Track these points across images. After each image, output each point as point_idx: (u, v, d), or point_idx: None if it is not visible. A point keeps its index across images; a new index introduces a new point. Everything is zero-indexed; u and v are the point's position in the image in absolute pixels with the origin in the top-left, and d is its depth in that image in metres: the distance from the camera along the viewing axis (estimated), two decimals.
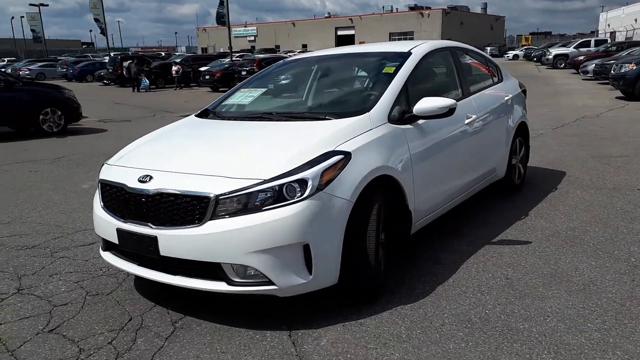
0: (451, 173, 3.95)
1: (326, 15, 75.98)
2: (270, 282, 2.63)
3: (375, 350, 2.54)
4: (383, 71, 3.80)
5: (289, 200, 2.61)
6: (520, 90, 5.50)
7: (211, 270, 2.68)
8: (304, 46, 67.85)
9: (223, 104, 4.20)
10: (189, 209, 2.68)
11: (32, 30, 50.79)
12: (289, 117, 3.52)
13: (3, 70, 14.26)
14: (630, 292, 3.07)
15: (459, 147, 4.02)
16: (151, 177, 2.84)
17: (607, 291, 3.09)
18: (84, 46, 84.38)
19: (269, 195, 2.61)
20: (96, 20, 40.91)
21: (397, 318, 2.85)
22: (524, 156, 5.52)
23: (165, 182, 2.78)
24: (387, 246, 3.29)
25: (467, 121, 4.08)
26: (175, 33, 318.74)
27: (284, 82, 4.50)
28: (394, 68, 3.74)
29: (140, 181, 2.85)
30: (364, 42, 63.00)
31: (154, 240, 2.73)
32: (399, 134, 3.31)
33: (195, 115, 4.00)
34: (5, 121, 10.74)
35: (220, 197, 2.61)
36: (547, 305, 2.94)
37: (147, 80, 25.34)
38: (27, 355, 2.60)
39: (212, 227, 2.60)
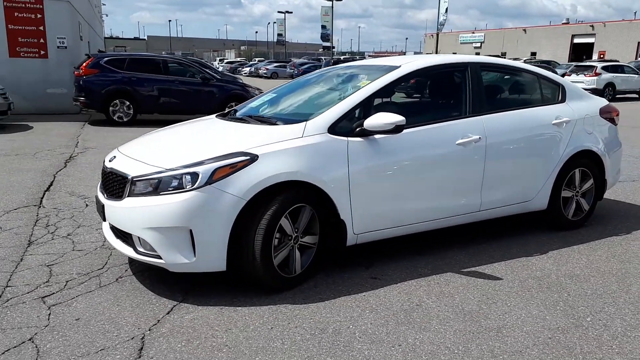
0: (424, 194, 3.81)
1: (563, 21, 69.32)
2: (159, 257, 3.12)
3: (212, 333, 2.83)
4: (359, 84, 3.89)
5: (182, 189, 3.06)
6: (595, 115, 4.77)
7: (127, 238, 3.30)
8: (533, 54, 63.23)
9: (249, 105, 4.73)
10: (119, 186, 3.33)
11: (279, 35, 58.04)
12: (257, 120, 3.90)
13: (208, 67, 17.10)
14: None
15: (442, 168, 3.85)
16: (115, 158, 3.58)
17: None
18: (320, 50, 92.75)
19: (167, 182, 3.10)
20: (323, 27, 45.08)
21: (265, 314, 3.04)
22: (590, 190, 4.78)
23: (117, 163, 3.49)
24: (317, 251, 3.48)
25: (460, 141, 3.87)
26: (406, 39, 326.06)
27: (298, 89, 4.79)
28: (369, 82, 3.81)
29: (109, 160, 3.61)
30: (603, 52, 55.75)
31: (103, 208, 3.46)
32: (336, 146, 3.43)
33: (216, 116, 4.61)
34: (200, 110, 13.01)
35: (134, 179, 3.20)
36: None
37: None
38: None
39: (127, 202, 3.21)
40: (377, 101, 3.92)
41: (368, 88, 3.72)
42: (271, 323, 2.93)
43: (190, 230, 3.05)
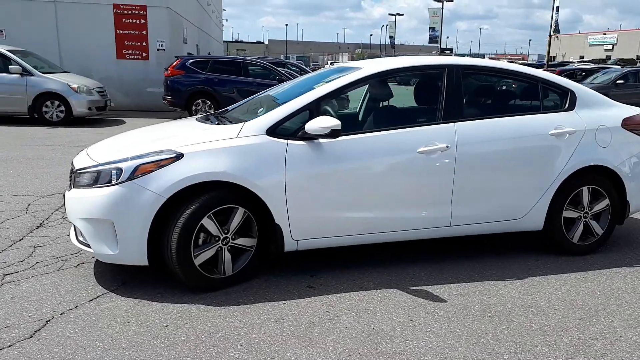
0: (377, 203, 3.59)
1: None
2: (89, 246, 3.29)
3: (110, 324, 2.92)
4: (314, 85, 3.77)
5: (110, 183, 3.21)
6: (614, 126, 4.16)
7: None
8: None
9: (238, 105, 4.76)
10: (70, 178, 3.57)
11: (390, 37, 57.79)
12: (218, 120, 3.93)
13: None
14: None
15: (400, 177, 3.60)
16: (80, 153, 3.84)
17: None
18: (433, 52, 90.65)
19: (100, 176, 3.26)
20: (431, 28, 43.98)
21: (173, 311, 3.07)
22: (605, 212, 4.18)
23: (77, 158, 3.73)
24: (254, 254, 3.46)
25: (423, 149, 3.60)
26: (529, 40, 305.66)
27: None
28: (324, 83, 3.69)
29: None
30: None
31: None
32: (274, 148, 3.36)
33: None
34: None
35: (77, 171, 3.41)
36: None
37: None
38: None
39: (71, 193, 3.43)
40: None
41: (318, 90, 3.60)
42: (170, 320, 2.96)
43: (113, 223, 3.18)
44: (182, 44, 19.80)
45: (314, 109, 3.52)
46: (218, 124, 3.75)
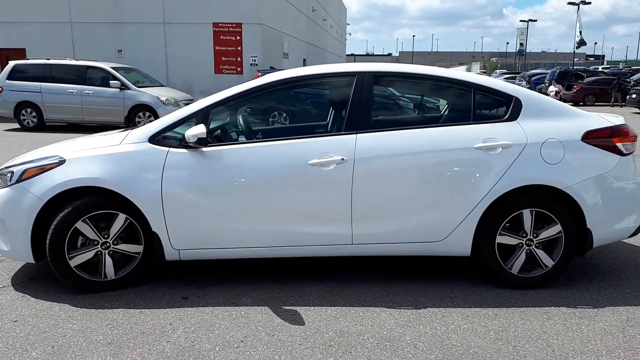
0: (264, 216, 3.42)
1: None
2: None
3: None
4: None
5: (4, 185, 3.49)
6: (571, 139, 3.49)
7: None
8: None
9: None
10: None
11: (520, 44, 54.49)
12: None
13: None
14: None
15: (289, 190, 3.41)
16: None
17: None
18: (577, 59, 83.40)
19: (5, 178, 3.56)
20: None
21: (42, 308, 3.23)
22: (557, 240, 3.53)
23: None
24: (141, 261, 3.52)
25: (314, 161, 3.38)
26: None
27: None
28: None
29: None
30: None
31: None
32: (153, 156, 3.40)
33: None
34: None
35: None
36: None
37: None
38: None
39: None
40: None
41: (208, 99, 3.56)
42: (22, 317, 3.13)
43: (4, 221, 3.45)
44: (281, 58, 20.62)
45: (201, 118, 3.48)
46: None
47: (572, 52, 43.18)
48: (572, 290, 3.57)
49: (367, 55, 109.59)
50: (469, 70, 72.69)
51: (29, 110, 13.25)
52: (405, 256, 3.95)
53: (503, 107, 3.58)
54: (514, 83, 30.10)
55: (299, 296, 3.43)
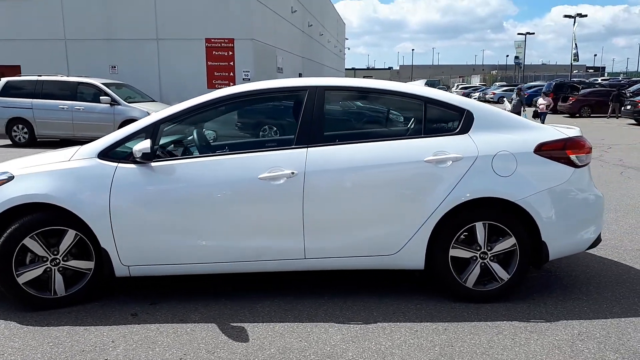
0: (214, 231, 3.39)
1: None
2: None
3: None
4: None
5: None
6: (523, 152, 3.46)
7: None
8: None
9: None
10: None
11: (516, 57, 54.68)
12: None
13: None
14: None
15: (238, 204, 3.39)
16: None
17: None
18: (576, 71, 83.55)
19: None
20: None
21: None
22: (513, 253, 3.49)
23: None
24: (92, 277, 3.48)
25: (264, 175, 3.36)
26: None
27: None
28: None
29: None
30: None
31: None
32: (102, 171, 3.39)
33: None
34: None
35: None
36: None
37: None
38: None
39: None
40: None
41: (158, 114, 3.56)
42: None
43: None
44: (275, 72, 20.72)
45: (150, 133, 3.47)
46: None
47: (570, 64, 43.26)
48: (529, 303, 3.52)
49: (368, 69, 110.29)
50: (465, 81, 72.82)
51: (20, 126, 13.32)
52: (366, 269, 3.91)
53: (455, 121, 3.57)
54: (508, 96, 29.03)
55: (249, 312, 3.39)
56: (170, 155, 3.55)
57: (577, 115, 24.87)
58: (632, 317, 3.29)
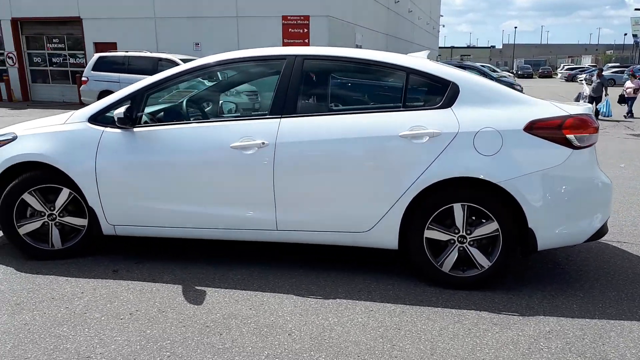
0: (190, 197, 3.48)
1: None
2: None
3: None
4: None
5: None
6: (510, 129, 3.17)
7: None
8: None
9: None
10: None
11: (634, 35, 49.69)
12: None
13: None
14: None
15: (212, 172, 3.45)
16: None
17: None
18: None
19: None
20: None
21: None
22: (495, 239, 3.25)
23: None
24: (86, 234, 3.73)
25: (236, 144, 3.39)
26: None
27: None
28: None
29: None
30: None
31: None
32: (91, 135, 3.59)
33: None
34: None
35: None
36: None
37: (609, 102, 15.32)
38: None
39: None
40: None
41: (143, 81, 3.68)
42: None
43: None
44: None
45: (133, 100, 3.60)
46: None
47: None
48: (512, 294, 3.26)
49: (468, 47, 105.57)
50: (575, 62, 67.29)
51: None
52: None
53: (438, 94, 3.33)
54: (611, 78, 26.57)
55: (219, 278, 3.46)
56: (158, 122, 3.67)
57: None
58: (623, 321, 2.94)
